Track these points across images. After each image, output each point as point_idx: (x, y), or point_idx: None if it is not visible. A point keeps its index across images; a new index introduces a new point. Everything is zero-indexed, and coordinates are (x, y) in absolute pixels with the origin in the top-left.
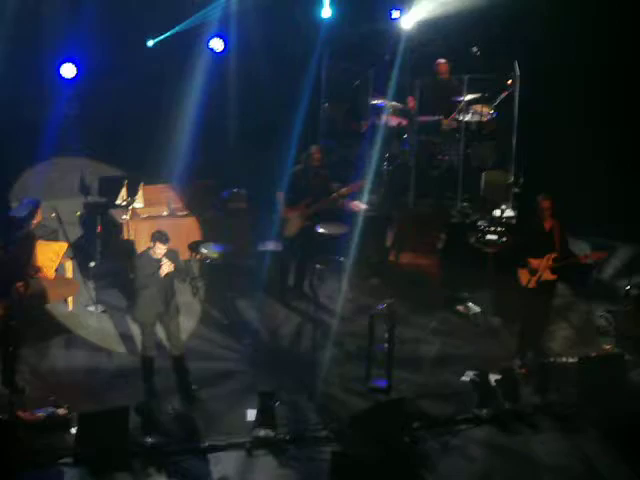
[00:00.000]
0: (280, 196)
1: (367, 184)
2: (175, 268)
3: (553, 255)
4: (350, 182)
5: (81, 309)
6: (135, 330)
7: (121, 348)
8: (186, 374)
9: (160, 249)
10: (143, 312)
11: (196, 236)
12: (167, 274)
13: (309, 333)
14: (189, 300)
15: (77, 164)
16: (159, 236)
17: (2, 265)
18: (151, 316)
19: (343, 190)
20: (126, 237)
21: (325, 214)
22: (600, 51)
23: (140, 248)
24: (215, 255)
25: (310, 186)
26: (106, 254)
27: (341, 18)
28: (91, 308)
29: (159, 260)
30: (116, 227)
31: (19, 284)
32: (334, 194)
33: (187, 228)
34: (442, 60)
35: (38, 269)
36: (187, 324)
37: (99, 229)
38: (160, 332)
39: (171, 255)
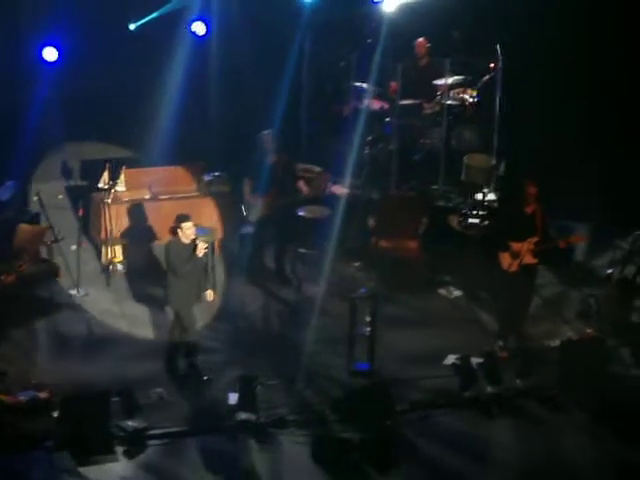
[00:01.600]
0: (247, 184)
1: (330, 177)
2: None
3: (534, 239)
4: (318, 171)
5: (64, 292)
6: (117, 312)
7: (104, 331)
8: (196, 357)
9: (189, 230)
10: (182, 300)
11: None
12: (205, 252)
13: (291, 316)
14: None
15: (59, 147)
16: (183, 217)
17: None
18: (190, 302)
19: (310, 188)
20: (108, 220)
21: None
22: (583, 34)
23: (120, 232)
24: (202, 239)
25: (269, 173)
26: (88, 238)
27: (324, 1)
28: (73, 292)
29: (192, 242)
30: (98, 210)
31: (3, 276)
32: (303, 188)
33: (169, 211)
34: (420, 39)
35: (22, 259)
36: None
37: (81, 212)
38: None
39: (208, 239)
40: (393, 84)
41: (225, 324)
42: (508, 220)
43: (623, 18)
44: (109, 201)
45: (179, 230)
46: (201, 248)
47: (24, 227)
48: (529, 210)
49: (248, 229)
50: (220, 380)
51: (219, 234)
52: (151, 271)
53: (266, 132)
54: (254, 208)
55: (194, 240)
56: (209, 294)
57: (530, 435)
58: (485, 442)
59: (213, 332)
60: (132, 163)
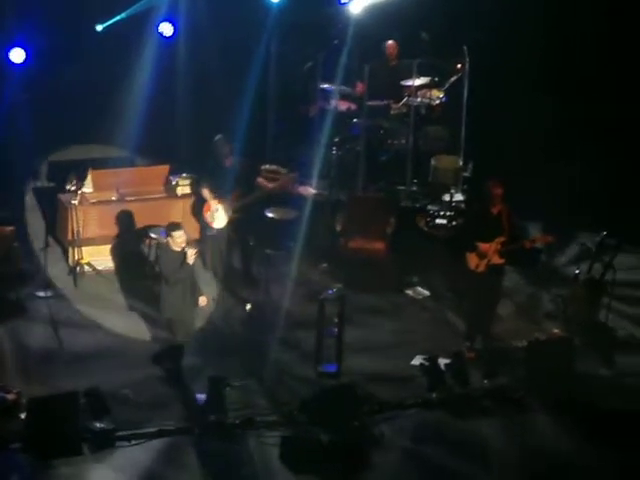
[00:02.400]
0: (205, 190)
1: (297, 178)
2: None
3: (501, 239)
4: (284, 172)
5: (31, 294)
6: (86, 314)
7: (72, 333)
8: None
9: (179, 238)
10: (176, 308)
11: (146, 221)
12: (192, 261)
13: (258, 318)
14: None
15: (25, 149)
16: (173, 227)
17: None
18: (185, 309)
19: (274, 185)
20: (75, 222)
21: (273, 199)
22: (551, 35)
23: (88, 233)
24: (164, 240)
25: (226, 176)
26: (55, 239)
27: (290, 2)
28: (41, 293)
29: (182, 250)
30: (65, 212)
31: None
32: (268, 186)
33: (136, 213)
34: (390, 41)
35: None
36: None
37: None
38: None
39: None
40: (360, 85)
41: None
42: (475, 221)
43: (591, 19)
44: (76, 202)
45: (169, 238)
46: (191, 255)
47: None
48: (495, 211)
49: (214, 231)
50: (188, 381)
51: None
52: (119, 272)
53: (218, 137)
54: (217, 214)
55: (184, 248)
56: (202, 300)
57: (497, 435)
58: (452, 442)
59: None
60: (99, 164)
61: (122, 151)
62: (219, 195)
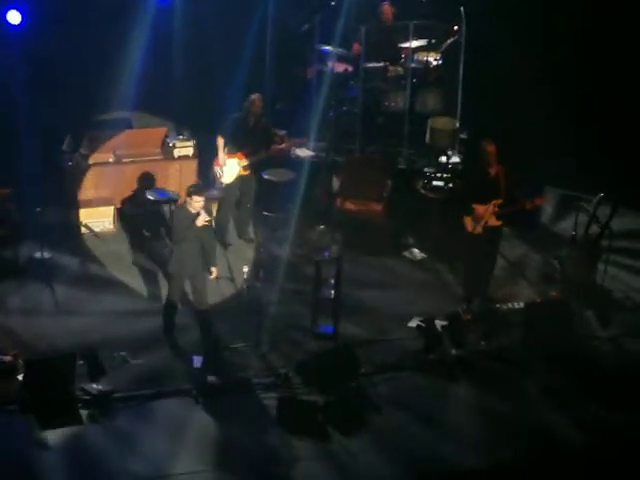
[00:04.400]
0: (220, 141)
1: (308, 140)
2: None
3: (498, 201)
4: (292, 137)
5: (28, 255)
6: (81, 275)
7: (68, 294)
8: (210, 329)
9: (197, 202)
10: (177, 266)
11: (142, 183)
12: (204, 225)
13: (255, 280)
14: None
15: (23, 112)
16: (195, 189)
17: None
18: (184, 271)
19: (283, 145)
20: (72, 183)
21: (270, 161)
22: None
23: (85, 195)
24: (164, 202)
25: (250, 135)
26: (52, 200)
27: None
28: (37, 254)
29: (196, 213)
30: (62, 173)
31: None
32: (273, 147)
33: (133, 174)
34: (386, 3)
35: None
36: None
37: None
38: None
39: (209, 209)
40: (357, 45)
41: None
42: (472, 182)
43: None
44: (73, 164)
45: (188, 199)
46: (201, 219)
47: None
48: (493, 172)
49: (214, 193)
50: (184, 344)
51: (183, 197)
52: (116, 233)
53: (256, 95)
54: (227, 170)
55: (198, 212)
56: (213, 271)
57: (494, 397)
58: (449, 404)
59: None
60: (97, 126)
61: (120, 113)
62: (230, 150)
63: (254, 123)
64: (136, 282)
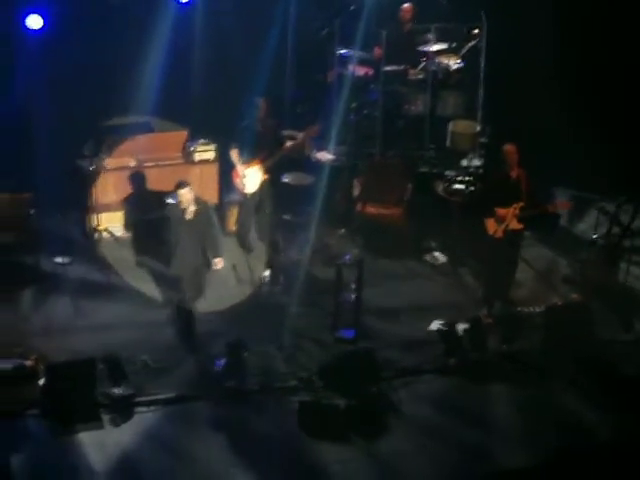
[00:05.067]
0: (234, 153)
1: (320, 130)
2: (200, 213)
3: (519, 204)
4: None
5: (48, 260)
6: (103, 280)
7: (89, 299)
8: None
9: (183, 196)
10: (179, 265)
11: (165, 187)
12: (196, 217)
13: (276, 284)
14: None
15: (44, 115)
16: (179, 184)
17: None
18: (187, 268)
19: (298, 139)
20: (93, 188)
21: (290, 164)
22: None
23: (106, 199)
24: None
25: (262, 139)
26: (73, 205)
27: None
28: (58, 259)
29: (184, 207)
30: (83, 177)
31: None
32: (288, 144)
33: (154, 179)
34: (406, 5)
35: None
36: None
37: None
38: None
39: (203, 205)
40: (377, 49)
41: (211, 291)
42: (493, 185)
43: None
44: (94, 169)
45: (177, 195)
46: (190, 212)
47: (6, 196)
48: (514, 175)
49: (234, 197)
50: (207, 347)
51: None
52: (137, 239)
53: (260, 99)
54: (248, 179)
55: (186, 206)
56: (217, 262)
57: (516, 400)
58: (470, 408)
59: (200, 299)
60: (118, 130)
61: (140, 117)
62: (246, 160)
63: (263, 127)
64: (153, 288)
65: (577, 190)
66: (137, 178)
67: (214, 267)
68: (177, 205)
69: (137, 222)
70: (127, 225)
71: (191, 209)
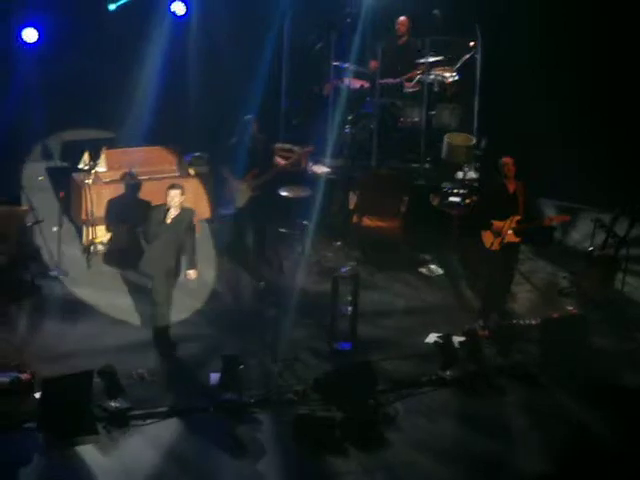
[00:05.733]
0: (225, 171)
1: (314, 151)
2: (180, 220)
3: (517, 217)
4: (301, 147)
5: (44, 274)
6: (99, 293)
7: (85, 312)
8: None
9: (169, 197)
10: (151, 264)
11: (159, 200)
12: (171, 222)
13: (272, 296)
14: None
15: (39, 129)
16: (171, 185)
17: None
18: (159, 268)
19: (292, 159)
20: (88, 201)
21: (286, 177)
22: (564, 12)
23: (101, 212)
24: None
25: (253, 156)
26: (69, 219)
27: None
28: (54, 273)
29: (167, 209)
30: (79, 191)
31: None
32: (281, 162)
33: (150, 191)
34: (402, 18)
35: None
36: None
37: (61, 195)
38: None
39: (187, 211)
40: (373, 62)
41: (207, 304)
42: (490, 198)
43: None
44: (90, 182)
45: (167, 195)
46: (169, 216)
47: (4, 209)
48: (511, 188)
49: (228, 210)
50: (202, 360)
51: (199, 215)
52: (132, 252)
53: (249, 117)
54: (239, 193)
55: (170, 207)
56: (190, 274)
57: (512, 413)
58: (466, 421)
59: (195, 312)
60: (112, 144)
61: (133, 130)
62: (240, 175)
63: (254, 143)
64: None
65: (573, 202)
66: (132, 191)
67: (187, 278)
68: (161, 207)
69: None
70: (120, 237)
71: (173, 213)
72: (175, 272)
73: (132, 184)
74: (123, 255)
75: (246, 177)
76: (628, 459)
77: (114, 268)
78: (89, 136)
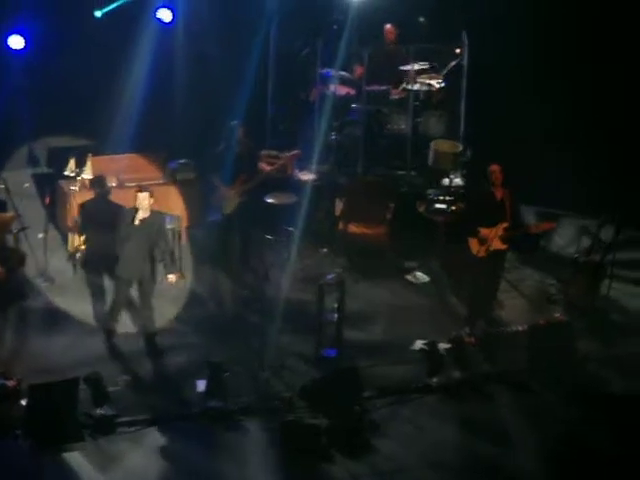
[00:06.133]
0: (215, 180)
1: (302, 155)
2: (149, 224)
3: (504, 225)
4: (286, 153)
5: (30, 281)
6: (84, 300)
7: (70, 319)
8: (157, 350)
9: (138, 200)
10: (123, 267)
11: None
12: (139, 224)
13: (258, 303)
14: None
15: (25, 135)
16: (138, 188)
17: None
18: (130, 273)
19: (278, 164)
20: (74, 208)
21: (272, 184)
22: (550, 20)
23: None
24: (166, 226)
25: (239, 162)
26: (55, 226)
27: None
28: (39, 280)
29: (136, 210)
30: (65, 198)
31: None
32: (266, 167)
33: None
34: (389, 25)
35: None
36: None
37: (47, 201)
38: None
39: (156, 215)
40: (359, 68)
41: (193, 311)
42: (478, 205)
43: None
44: (76, 189)
45: (136, 198)
46: (138, 217)
47: None
48: (499, 195)
49: (216, 216)
50: (187, 367)
51: (185, 222)
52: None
53: (235, 122)
54: (226, 201)
55: (138, 209)
56: (171, 277)
57: (497, 420)
58: (452, 428)
59: (180, 319)
60: (98, 151)
61: (119, 137)
62: (228, 182)
63: (241, 149)
64: (137, 308)
65: (559, 209)
66: (118, 198)
67: (168, 282)
68: (131, 209)
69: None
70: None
71: (141, 215)
72: (151, 278)
73: (119, 191)
74: (104, 261)
75: (234, 184)
76: (617, 462)
77: (95, 275)
78: (75, 143)
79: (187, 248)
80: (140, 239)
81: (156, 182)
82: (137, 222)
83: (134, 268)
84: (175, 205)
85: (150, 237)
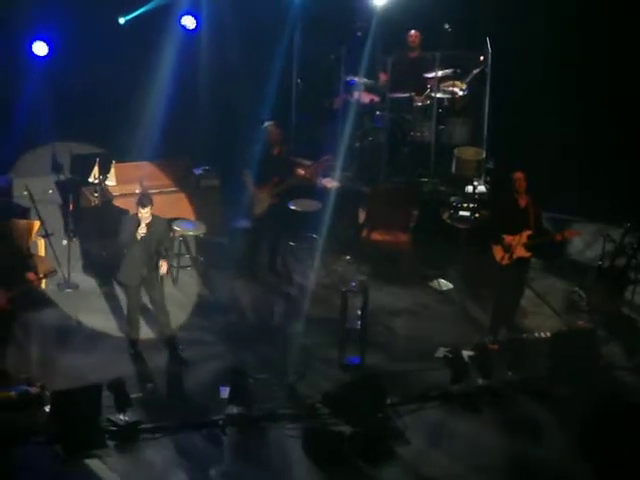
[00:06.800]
0: (247, 175)
1: (334, 160)
2: (150, 237)
3: (528, 232)
4: (318, 160)
5: (54, 288)
6: (108, 308)
7: (95, 326)
8: (177, 353)
9: (141, 212)
10: (126, 273)
11: (169, 213)
12: (142, 238)
13: (282, 310)
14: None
15: (48, 142)
16: (139, 200)
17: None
18: (134, 278)
19: (311, 169)
20: (99, 214)
21: (296, 191)
22: (573, 27)
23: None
24: (190, 233)
25: (273, 163)
26: (79, 233)
27: None
28: (65, 286)
29: (138, 224)
30: (88, 205)
31: (32, 276)
32: (301, 171)
33: (159, 205)
34: (413, 32)
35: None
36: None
37: (71, 208)
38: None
39: (157, 222)
40: (383, 75)
41: (216, 317)
42: (501, 212)
43: (612, 9)
44: (99, 196)
45: (139, 208)
46: (140, 232)
47: (17, 222)
48: (522, 203)
49: (243, 223)
50: (212, 374)
51: (206, 228)
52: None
53: (270, 123)
54: (258, 202)
55: (140, 222)
56: (161, 264)
57: (521, 428)
58: (476, 435)
59: (204, 325)
60: (121, 158)
61: (143, 144)
62: (259, 182)
63: (275, 151)
64: None
65: (583, 217)
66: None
67: (159, 270)
68: (136, 217)
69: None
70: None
71: (143, 229)
72: (155, 282)
73: None
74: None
75: (267, 184)
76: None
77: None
78: (98, 150)
79: (208, 255)
80: (141, 247)
81: (180, 189)
82: (139, 237)
83: (135, 274)
84: (198, 211)
85: (151, 244)
